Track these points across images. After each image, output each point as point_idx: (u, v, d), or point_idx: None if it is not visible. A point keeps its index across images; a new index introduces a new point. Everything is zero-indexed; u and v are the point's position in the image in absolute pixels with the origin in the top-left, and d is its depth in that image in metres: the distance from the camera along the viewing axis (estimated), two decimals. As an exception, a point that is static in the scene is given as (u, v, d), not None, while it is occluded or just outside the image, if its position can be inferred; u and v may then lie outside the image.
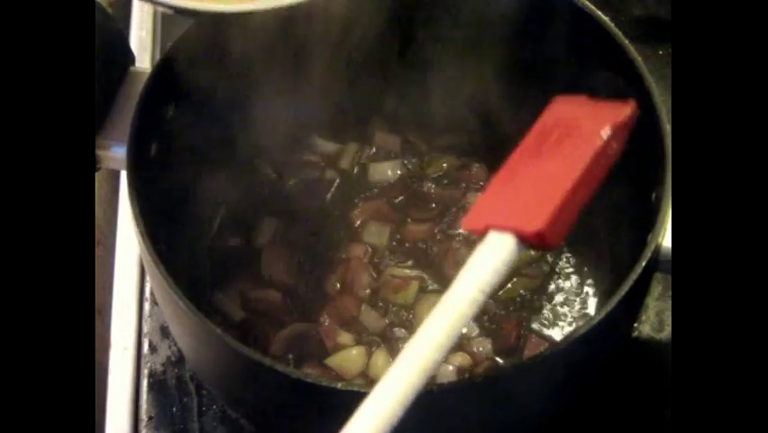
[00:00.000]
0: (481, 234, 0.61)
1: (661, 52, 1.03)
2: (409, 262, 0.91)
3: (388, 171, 0.96)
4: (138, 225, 0.74)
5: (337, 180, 0.96)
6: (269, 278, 0.90)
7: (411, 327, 0.86)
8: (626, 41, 0.80)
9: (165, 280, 0.72)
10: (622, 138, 0.65)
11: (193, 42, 0.82)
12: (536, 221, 0.59)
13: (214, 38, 0.82)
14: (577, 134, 0.65)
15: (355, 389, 0.69)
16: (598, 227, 0.91)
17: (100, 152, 0.82)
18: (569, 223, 0.61)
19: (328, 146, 0.98)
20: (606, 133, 0.63)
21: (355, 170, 0.97)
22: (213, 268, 0.91)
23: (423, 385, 0.57)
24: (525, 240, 0.60)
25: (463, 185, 0.95)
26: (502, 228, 0.60)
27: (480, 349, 0.85)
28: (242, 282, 0.90)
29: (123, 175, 0.79)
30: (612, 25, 0.82)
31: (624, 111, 0.65)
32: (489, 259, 0.60)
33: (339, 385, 0.68)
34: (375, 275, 0.90)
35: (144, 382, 0.90)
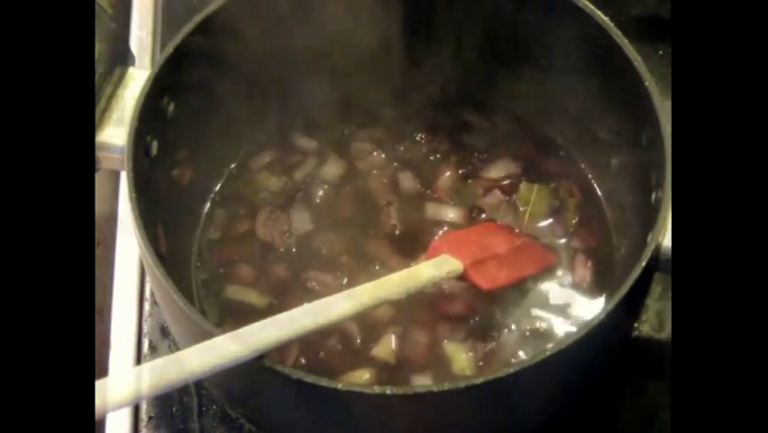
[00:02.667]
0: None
1: (661, 52, 1.03)
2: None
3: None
4: (138, 225, 0.74)
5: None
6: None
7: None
8: (626, 41, 0.80)
9: (165, 280, 0.72)
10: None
11: (193, 43, 0.82)
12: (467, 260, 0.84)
13: (214, 38, 0.82)
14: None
15: (355, 389, 0.69)
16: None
17: (100, 153, 0.82)
18: (498, 277, 0.86)
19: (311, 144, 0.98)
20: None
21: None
22: (212, 268, 0.91)
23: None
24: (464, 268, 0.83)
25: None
26: (453, 255, 0.84)
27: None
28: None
29: (123, 175, 0.79)
30: (612, 25, 0.81)
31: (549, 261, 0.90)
32: (437, 265, 0.82)
33: (339, 386, 0.68)
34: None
35: (144, 382, 0.90)
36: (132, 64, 0.86)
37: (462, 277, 0.84)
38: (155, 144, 0.81)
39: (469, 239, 0.89)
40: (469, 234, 0.91)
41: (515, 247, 0.89)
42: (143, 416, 0.89)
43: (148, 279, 0.95)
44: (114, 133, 0.81)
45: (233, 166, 0.95)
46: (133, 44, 1.09)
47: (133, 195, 0.75)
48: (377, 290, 0.77)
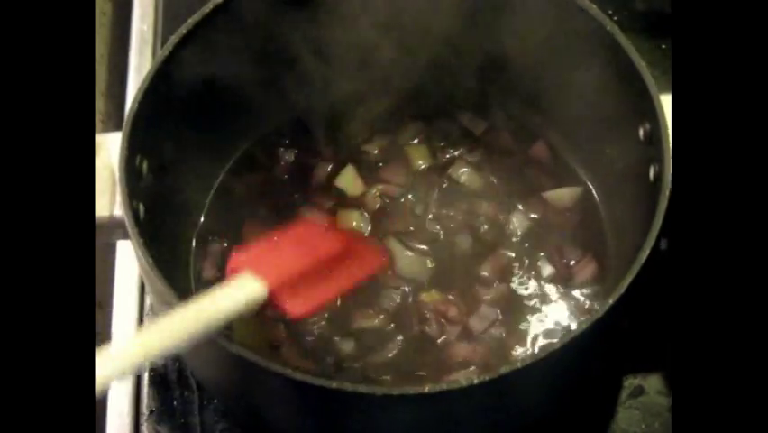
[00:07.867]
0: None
1: (664, 46, 1.03)
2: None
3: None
4: (133, 231, 0.73)
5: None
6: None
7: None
8: (627, 41, 0.79)
9: (162, 283, 0.71)
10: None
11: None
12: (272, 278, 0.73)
13: (211, 41, 0.82)
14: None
15: (352, 389, 0.68)
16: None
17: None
18: (314, 297, 0.76)
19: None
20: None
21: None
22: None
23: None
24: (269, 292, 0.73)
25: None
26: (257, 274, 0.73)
27: None
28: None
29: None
30: (610, 21, 0.80)
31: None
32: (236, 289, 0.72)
33: (333, 385, 0.67)
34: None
35: (145, 376, 0.90)
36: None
37: (267, 302, 0.73)
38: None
39: (276, 249, 0.79)
40: (276, 242, 0.80)
41: (335, 252, 0.80)
42: (144, 410, 0.89)
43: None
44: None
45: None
46: (135, 38, 1.09)
47: (128, 204, 0.75)
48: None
